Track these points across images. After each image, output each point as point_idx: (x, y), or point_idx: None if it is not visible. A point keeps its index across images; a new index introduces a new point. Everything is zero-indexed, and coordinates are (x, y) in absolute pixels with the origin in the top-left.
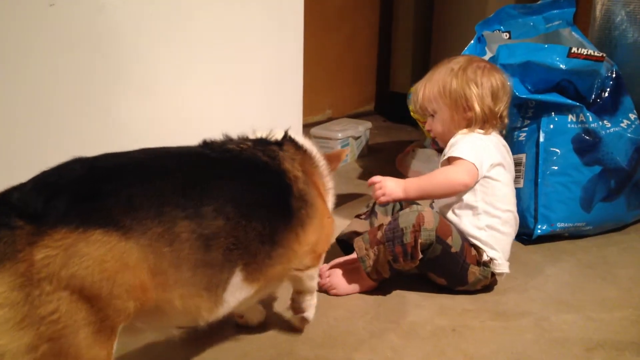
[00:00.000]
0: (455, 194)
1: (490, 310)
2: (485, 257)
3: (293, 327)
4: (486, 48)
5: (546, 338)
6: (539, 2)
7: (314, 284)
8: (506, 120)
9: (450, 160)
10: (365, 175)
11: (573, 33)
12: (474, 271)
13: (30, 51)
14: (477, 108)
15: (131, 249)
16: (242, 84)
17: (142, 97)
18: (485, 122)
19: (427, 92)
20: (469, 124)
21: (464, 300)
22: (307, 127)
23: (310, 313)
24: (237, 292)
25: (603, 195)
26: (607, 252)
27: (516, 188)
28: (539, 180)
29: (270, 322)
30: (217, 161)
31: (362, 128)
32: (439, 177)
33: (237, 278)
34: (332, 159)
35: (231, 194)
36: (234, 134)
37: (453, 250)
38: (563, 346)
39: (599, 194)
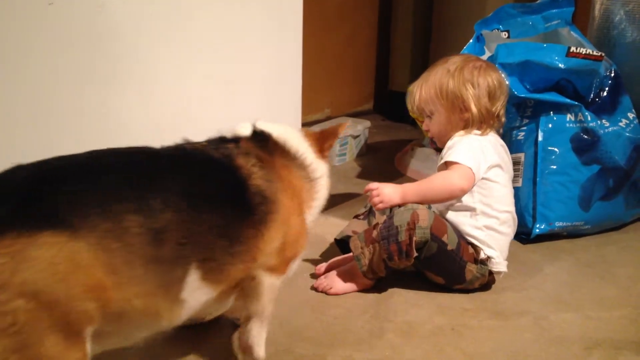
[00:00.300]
0: (453, 199)
1: (489, 309)
2: (482, 255)
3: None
4: (485, 47)
5: (545, 337)
6: (538, 2)
7: (269, 306)
8: (503, 119)
9: (448, 165)
10: (364, 174)
11: (572, 32)
12: (471, 269)
13: (29, 50)
14: (474, 109)
15: (81, 248)
16: (241, 83)
17: (141, 96)
18: (482, 122)
19: (424, 93)
20: (466, 125)
21: (462, 300)
22: (306, 126)
23: (260, 350)
24: (197, 293)
25: (601, 194)
26: (605, 251)
27: (515, 187)
28: (538, 179)
29: (269, 320)
30: (165, 157)
31: (361, 127)
32: (436, 183)
33: (193, 276)
34: (327, 136)
35: (179, 186)
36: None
37: (449, 248)
38: (562, 345)
39: (598, 193)
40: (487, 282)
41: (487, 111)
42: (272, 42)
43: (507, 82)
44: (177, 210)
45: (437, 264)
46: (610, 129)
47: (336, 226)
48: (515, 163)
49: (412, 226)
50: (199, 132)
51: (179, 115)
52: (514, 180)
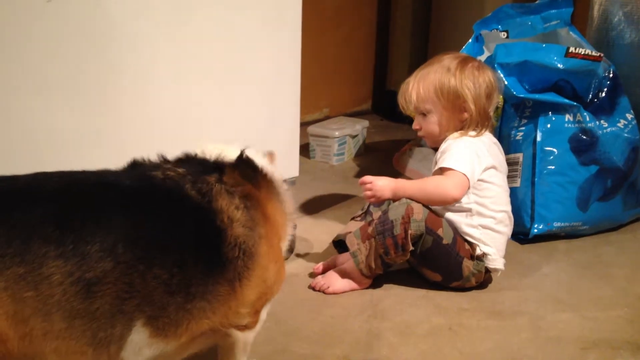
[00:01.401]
0: (443, 205)
1: (487, 309)
2: (478, 252)
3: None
4: (484, 47)
5: (542, 337)
6: (536, 2)
7: (246, 351)
8: (493, 121)
9: (442, 170)
10: (362, 174)
11: (571, 33)
12: (468, 265)
13: (27, 48)
14: (473, 109)
15: None
16: (239, 82)
17: (138, 95)
18: (478, 123)
19: (422, 91)
20: (463, 126)
21: (460, 300)
22: (304, 126)
23: None
24: (146, 350)
25: (599, 195)
26: (602, 251)
27: (513, 187)
28: (536, 179)
29: (266, 319)
30: (123, 192)
31: (359, 126)
32: (429, 187)
33: (139, 334)
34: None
35: (128, 232)
36: (182, 150)
37: (444, 242)
38: (559, 345)
39: (596, 194)
40: (483, 280)
41: (484, 112)
42: (271, 41)
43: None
44: (118, 260)
45: (433, 259)
46: (608, 129)
47: (333, 226)
48: (514, 163)
49: (407, 220)
50: (196, 131)
51: (176, 114)
52: (512, 181)
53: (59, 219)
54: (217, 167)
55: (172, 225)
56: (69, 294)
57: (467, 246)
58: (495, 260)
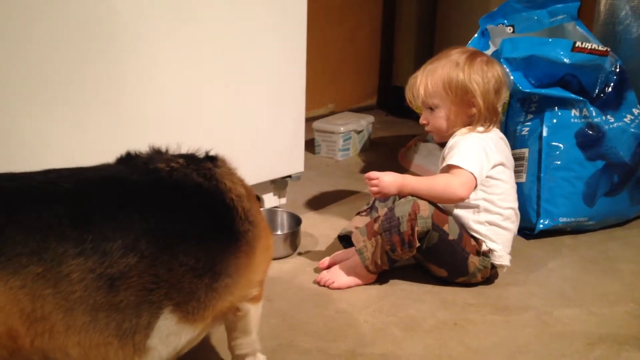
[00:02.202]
0: (449, 204)
1: (492, 304)
2: (484, 247)
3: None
4: (490, 42)
5: (548, 332)
6: None
7: (256, 335)
8: (501, 116)
9: (450, 168)
10: (367, 169)
11: (577, 27)
12: (474, 261)
13: (30, 42)
14: (482, 104)
15: None
16: (244, 78)
17: (143, 90)
18: (487, 118)
19: (431, 86)
20: (471, 121)
21: (465, 295)
22: (309, 121)
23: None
24: (173, 337)
25: (606, 190)
26: (609, 247)
27: (519, 182)
28: (542, 174)
29: (270, 313)
30: (136, 185)
31: (364, 122)
32: (436, 185)
33: (167, 321)
34: None
35: (148, 225)
36: (162, 145)
37: (450, 237)
38: (564, 340)
39: (602, 189)
40: (489, 275)
41: (492, 107)
42: (276, 38)
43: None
44: (142, 254)
45: (439, 255)
46: (615, 124)
47: (338, 221)
48: (520, 158)
49: (413, 216)
50: (202, 125)
51: (181, 109)
52: (518, 176)
53: (76, 218)
54: (207, 157)
55: (188, 212)
56: (91, 289)
57: (473, 242)
58: (502, 256)
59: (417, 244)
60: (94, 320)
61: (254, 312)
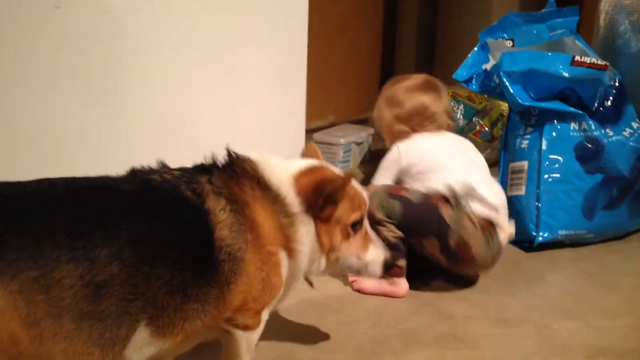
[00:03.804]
0: None
1: (492, 317)
2: (448, 193)
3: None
4: (489, 55)
5: (547, 345)
6: (543, 11)
7: (249, 356)
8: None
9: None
10: (367, 181)
11: (576, 41)
12: (447, 211)
13: (35, 53)
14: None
15: None
16: (245, 89)
17: (145, 100)
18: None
19: None
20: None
21: (465, 307)
22: (309, 133)
23: None
24: (146, 349)
25: (605, 203)
26: (608, 260)
27: (518, 195)
28: (541, 187)
29: (271, 324)
30: (125, 196)
31: (364, 134)
32: None
33: (141, 334)
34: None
35: (133, 235)
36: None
37: (414, 201)
38: (564, 353)
39: (601, 202)
40: (481, 229)
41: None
42: (277, 49)
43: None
44: (125, 263)
45: (414, 222)
46: (614, 138)
47: None
48: (519, 171)
49: (370, 196)
50: (202, 137)
51: (182, 119)
52: (517, 188)
53: (68, 225)
54: (208, 168)
55: (171, 226)
56: (79, 296)
57: (437, 194)
58: (474, 206)
59: (384, 218)
60: (79, 329)
61: (244, 339)
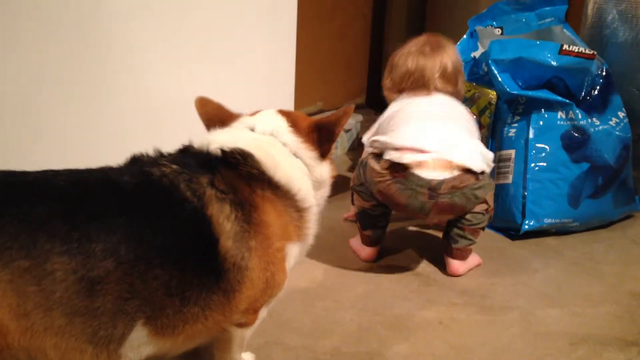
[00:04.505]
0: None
1: (477, 304)
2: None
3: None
4: (478, 43)
5: (531, 332)
6: None
7: (239, 354)
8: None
9: None
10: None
11: (565, 30)
12: (373, 165)
13: (20, 41)
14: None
15: None
16: (233, 75)
17: (132, 86)
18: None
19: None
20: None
21: (450, 294)
22: None
23: None
24: (144, 348)
25: (590, 192)
26: (592, 248)
27: (505, 184)
28: (528, 176)
29: None
30: (124, 190)
31: (353, 121)
32: None
33: (139, 333)
34: (326, 130)
35: (131, 231)
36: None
37: (362, 165)
38: (548, 340)
39: (587, 191)
40: (391, 175)
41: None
42: (266, 35)
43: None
44: (121, 260)
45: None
46: (600, 127)
47: (326, 219)
48: (506, 159)
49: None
50: (190, 123)
51: (170, 106)
52: (504, 177)
53: (65, 216)
54: (210, 166)
55: (172, 227)
56: (71, 291)
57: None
58: (391, 155)
59: (355, 185)
60: (71, 324)
61: (239, 336)
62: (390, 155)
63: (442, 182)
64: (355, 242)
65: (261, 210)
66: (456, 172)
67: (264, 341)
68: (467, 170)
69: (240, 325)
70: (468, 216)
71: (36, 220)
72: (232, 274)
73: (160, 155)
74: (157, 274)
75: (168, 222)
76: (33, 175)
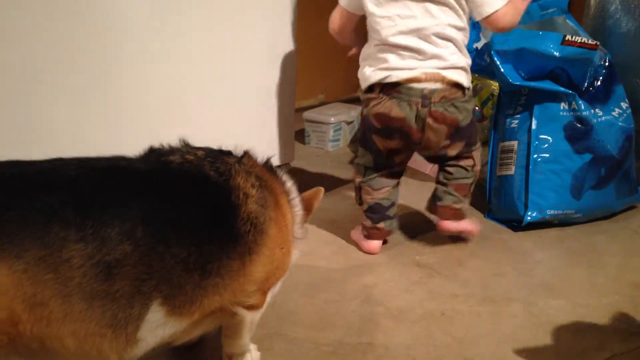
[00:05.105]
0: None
1: (479, 295)
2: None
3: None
4: (481, 34)
5: (534, 323)
6: None
7: (248, 339)
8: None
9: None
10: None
11: (567, 21)
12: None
13: (16, 34)
14: None
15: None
16: (235, 68)
17: (133, 82)
18: None
19: None
20: None
21: (453, 286)
22: (299, 111)
23: None
24: (160, 329)
25: (593, 183)
26: (595, 239)
27: (507, 175)
28: (530, 167)
29: None
30: (138, 175)
31: (354, 113)
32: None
33: (156, 313)
34: (310, 200)
35: (146, 214)
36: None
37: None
38: (550, 331)
39: (589, 182)
40: (386, 96)
41: None
42: (267, 27)
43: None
44: (137, 243)
45: (362, 136)
46: (603, 118)
47: (328, 212)
48: (508, 151)
49: None
50: (191, 118)
51: (171, 101)
52: (507, 168)
53: (78, 204)
54: (235, 154)
55: (188, 204)
56: (89, 276)
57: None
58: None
59: (359, 180)
60: (91, 309)
61: (249, 319)
62: (380, 77)
63: (433, 90)
64: (357, 234)
65: (280, 197)
66: (446, 85)
67: (266, 333)
68: (457, 85)
69: (251, 307)
70: (451, 169)
71: (48, 210)
72: (251, 235)
73: (185, 144)
74: (175, 253)
75: (185, 201)
76: (41, 164)
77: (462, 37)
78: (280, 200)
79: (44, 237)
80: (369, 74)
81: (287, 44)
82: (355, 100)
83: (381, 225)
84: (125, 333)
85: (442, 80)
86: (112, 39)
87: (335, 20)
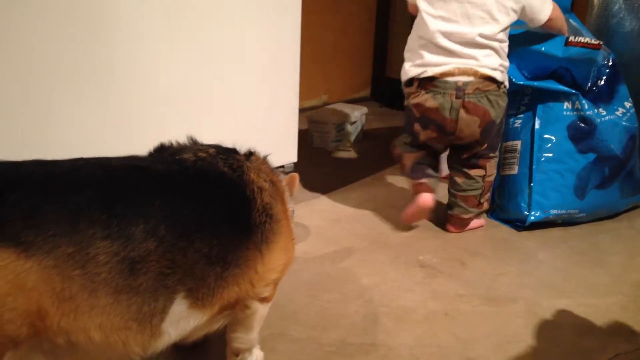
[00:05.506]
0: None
1: (483, 295)
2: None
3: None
4: None
5: (537, 323)
6: None
7: (257, 333)
8: None
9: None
10: (360, 160)
11: (571, 21)
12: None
13: (26, 35)
14: None
15: (30, 269)
16: (238, 68)
17: (137, 79)
18: None
19: None
20: None
21: (456, 286)
22: (302, 112)
23: None
24: (183, 322)
25: (597, 182)
26: (598, 239)
27: (511, 175)
28: (534, 167)
29: None
30: (158, 175)
31: (358, 113)
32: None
33: (179, 306)
34: (289, 184)
35: (168, 212)
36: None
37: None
38: (554, 331)
39: (593, 182)
40: (423, 90)
41: None
42: (270, 28)
43: None
44: (161, 239)
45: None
46: (606, 117)
47: (331, 212)
48: (512, 150)
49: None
50: (194, 115)
51: (174, 98)
52: (510, 168)
53: (104, 203)
54: (241, 152)
55: (208, 200)
56: (115, 271)
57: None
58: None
59: (399, 152)
60: (117, 302)
61: (260, 312)
62: (418, 73)
63: (467, 83)
64: (408, 209)
65: (284, 195)
66: (479, 78)
67: (269, 333)
68: (490, 78)
69: (264, 299)
70: (459, 180)
71: (76, 209)
72: (267, 225)
73: (194, 142)
74: (198, 247)
75: (205, 197)
76: (66, 164)
77: (499, 45)
78: (283, 195)
79: (72, 234)
80: (408, 69)
81: (290, 45)
82: (358, 101)
83: (423, 180)
84: (150, 325)
85: (475, 74)
86: (116, 40)
87: (411, 6)
